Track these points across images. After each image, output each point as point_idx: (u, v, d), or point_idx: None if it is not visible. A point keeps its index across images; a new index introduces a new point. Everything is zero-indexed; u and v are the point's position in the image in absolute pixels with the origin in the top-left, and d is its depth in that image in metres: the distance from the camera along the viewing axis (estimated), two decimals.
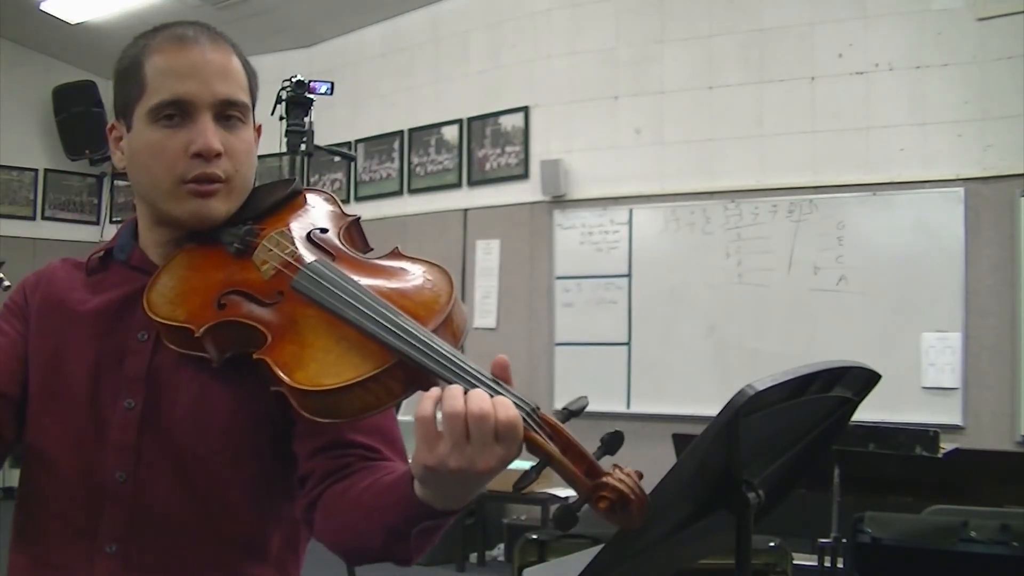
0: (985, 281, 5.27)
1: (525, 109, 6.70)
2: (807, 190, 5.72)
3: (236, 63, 1.20)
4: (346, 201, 7.56)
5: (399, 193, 7.37)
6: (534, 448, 0.92)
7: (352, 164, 7.49)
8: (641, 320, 6.16)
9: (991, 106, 5.29)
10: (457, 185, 7.05)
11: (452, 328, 1.03)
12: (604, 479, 0.89)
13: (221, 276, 1.13)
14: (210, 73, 1.16)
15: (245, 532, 1.17)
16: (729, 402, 1.09)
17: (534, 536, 3.34)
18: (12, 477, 7.83)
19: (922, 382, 5.31)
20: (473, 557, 6.05)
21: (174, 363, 1.16)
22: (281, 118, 3.70)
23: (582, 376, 6.27)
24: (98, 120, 8.49)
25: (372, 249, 1.20)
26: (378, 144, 7.50)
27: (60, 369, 1.20)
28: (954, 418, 5.21)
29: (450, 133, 7.10)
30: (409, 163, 7.32)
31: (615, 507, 0.89)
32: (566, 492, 5.90)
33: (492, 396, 0.92)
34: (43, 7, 7.55)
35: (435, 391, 0.93)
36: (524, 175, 6.69)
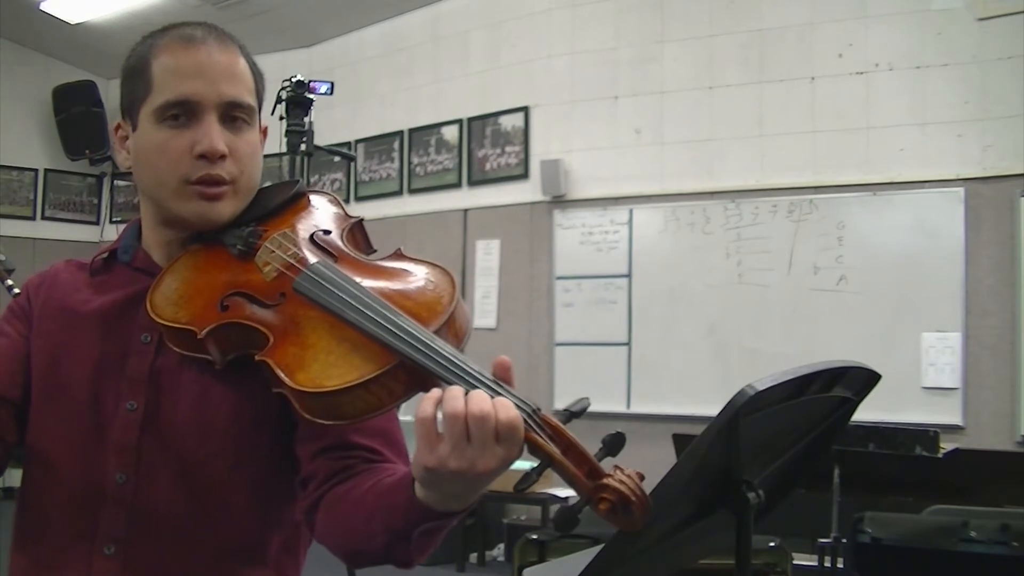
0: (985, 281, 5.27)
1: (525, 109, 6.70)
2: (807, 190, 5.72)
3: (243, 64, 1.20)
4: (346, 201, 7.56)
5: (399, 193, 7.37)
6: (535, 449, 0.92)
7: (352, 164, 7.49)
8: (641, 320, 6.16)
9: (991, 106, 5.29)
10: (457, 185, 7.06)
11: (454, 329, 1.03)
12: (605, 480, 0.89)
13: (224, 278, 1.13)
14: (216, 74, 1.16)
15: (244, 535, 1.16)
16: (729, 402, 1.09)
17: (534, 536, 3.34)
18: (12, 477, 7.83)
19: (922, 382, 5.31)
20: (473, 557, 6.05)
21: (176, 365, 1.16)
22: (281, 118, 3.70)
23: (582, 376, 6.27)
24: (98, 120, 8.50)
25: (376, 250, 1.20)
26: (378, 144, 7.50)
27: (61, 371, 1.20)
28: (954, 418, 5.21)
29: (450, 133, 7.10)
30: (409, 163, 7.32)
31: (616, 509, 0.88)
32: (566, 492, 5.91)
33: (493, 397, 0.92)
34: (43, 7, 7.55)
35: (436, 392, 0.93)
36: (524, 175, 6.69)
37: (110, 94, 8.63)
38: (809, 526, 3.62)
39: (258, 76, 1.24)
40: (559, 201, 6.50)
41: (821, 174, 5.73)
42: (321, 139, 4.03)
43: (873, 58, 5.62)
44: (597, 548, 1.18)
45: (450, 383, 0.94)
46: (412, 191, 7.31)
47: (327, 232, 1.18)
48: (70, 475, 1.17)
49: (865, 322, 5.46)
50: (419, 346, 0.96)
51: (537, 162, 6.56)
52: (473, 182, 6.99)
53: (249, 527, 1.16)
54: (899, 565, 3.05)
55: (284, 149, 3.73)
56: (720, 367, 5.82)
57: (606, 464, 0.93)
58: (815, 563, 3.73)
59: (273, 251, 1.13)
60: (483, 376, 0.95)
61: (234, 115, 1.18)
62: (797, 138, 5.82)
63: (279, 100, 3.68)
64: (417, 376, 0.97)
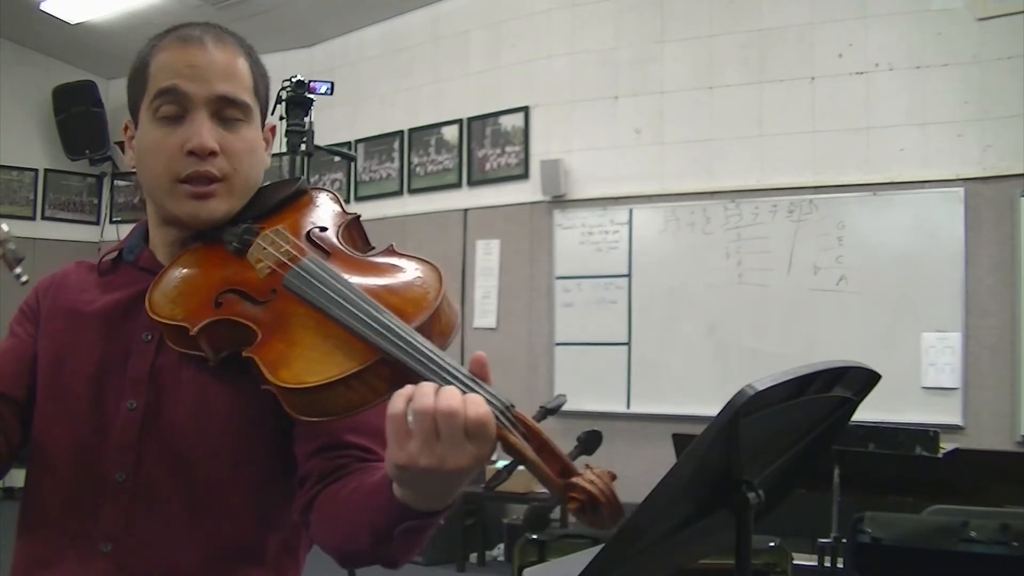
0: (985, 281, 5.28)
1: (525, 109, 6.71)
2: (807, 190, 5.72)
3: (241, 63, 1.21)
4: (347, 201, 7.52)
5: (399, 193, 7.37)
6: (507, 447, 0.91)
7: (352, 164, 7.49)
8: (641, 320, 6.16)
9: (991, 106, 5.29)
10: (457, 185, 7.06)
11: (440, 325, 1.04)
12: (575, 479, 0.88)
13: (220, 275, 1.14)
14: (209, 71, 1.17)
15: (243, 535, 1.16)
16: (729, 402, 1.09)
17: (534, 536, 3.34)
18: (12, 477, 7.83)
19: (922, 382, 5.31)
20: (473, 557, 6.05)
21: (176, 364, 1.17)
22: (281, 118, 3.71)
23: (582, 376, 6.27)
24: (98, 120, 8.50)
25: (373, 248, 1.20)
26: (378, 144, 7.50)
27: (65, 370, 1.21)
28: (954, 418, 5.21)
29: (450, 133, 7.10)
30: (409, 163, 7.32)
31: (585, 508, 0.88)
32: None
33: (465, 393, 0.91)
34: (43, 7, 7.55)
35: (408, 388, 0.92)
36: (524, 175, 6.69)
37: (110, 94, 8.63)
38: (809, 526, 3.62)
39: (260, 75, 1.24)
40: (559, 201, 6.50)
41: (821, 174, 5.73)
42: (321, 139, 4.03)
43: (873, 58, 5.62)
44: (597, 548, 1.18)
45: (426, 379, 0.93)
46: (412, 191, 7.31)
47: (324, 229, 1.18)
48: (70, 473, 1.18)
49: (865, 322, 5.46)
50: (398, 342, 0.96)
51: (537, 162, 6.56)
52: (473, 182, 6.99)
53: (248, 527, 1.16)
54: (899, 565, 3.05)
55: (284, 149, 3.74)
56: (720, 367, 5.82)
57: (589, 462, 0.93)
58: (815, 563, 3.73)
59: (266, 248, 1.13)
60: (459, 372, 0.95)
61: (227, 112, 1.18)
62: (797, 138, 5.82)
63: (279, 100, 3.68)
64: (399, 372, 0.97)
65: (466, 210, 6.98)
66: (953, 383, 5.28)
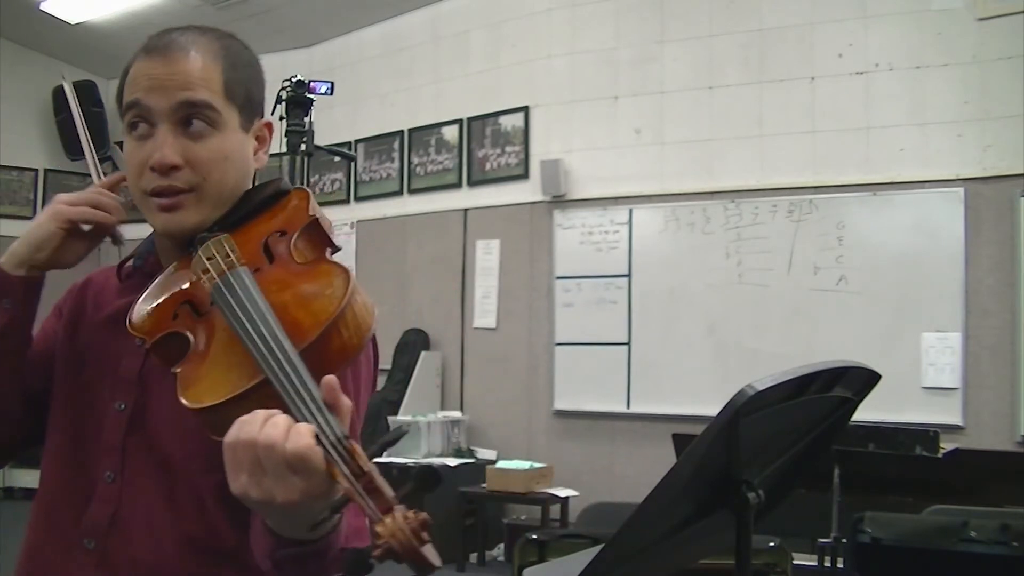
0: (985, 281, 5.28)
1: (525, 109, 6.71)
2: (807, 190, 5.73)
3: (209, 67, 1.18)
4: (346, 201, 7.57)
5: (399, 193, 7.37)
6: (334, 482, 0.86)
7: (352, 164, 7.49)
8: (641, 320, 6.16)
9: (991, 106, 5.30)
10: (457, 185, 7.06)
11: (346, 333, 0.99)
12: (377, 527, 0.82)
13: (182, 287, 1.13)
14: (169, 82, 1.15)
15: (221, 539, 1.16)
16: (729, 402, 1.09)
17: (534, 536, 3.33)
18: (12, 477, 7.83)
19: (922, 382, 5.32)
20: (473, 557, 6.05)
21: (163, 367, 1.17)
22: (281, 118, 3.71)
23: (582, 376, 6.27)
24: (98, 120, 8.50)
25: (339, 248, 1.18)
26: (378, 144, 7.50)
27: (73, 372, 1.24)
28: (954, 418, 5.22)
29: (450, 133, 7.10)
30: (409, 163, 7.33)
31: (385, 556, 0.82)
32: (566, 492, 5.91)
33: (298, 422, 0.88)
34: (43, 7, 7.55)
35: (245, 417, 0.89)
36: (524, 175, 6.69)
37: (110, 94, 8.62)
38: (809, 526, 3.61)
39: (238, 78, 1.21)
40: (559, 201, 6.50)
41: (821, 174, 5.73)
42: (321, 139, 4.03)
43: (873, 58, 5.62)
44: (597, 548, 1.18)
45: (285, 401, 0.90)
46: (412, 191, 7.31)
47: (283, 234, 1.15)
48: (68, 471, 1.21)
49: (865, 322, 5.46)
50: (271, 361, 0.93)
51: (537, 162, 6.56)
52: (473, 182, 6.99)
53: (225, 532, 1.15)
54: (899, 565, 3.05)
55: (284, 149, 3.74)
56: (720, 367, 5.82)
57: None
58: (815, 563, 3.72)
59: (209, 259, 1.11)
60: (309, 398, 0.90)
61: (191, 117, 1.16)
62: (797, 138, 5.82)
63: (279, 100, 3.68)
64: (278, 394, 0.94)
65: (466, 210, 6.98)
66: (953, 383, 5.28)
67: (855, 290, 5.55)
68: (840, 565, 3.46)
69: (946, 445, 3.66)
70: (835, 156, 5.71)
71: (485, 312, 6.82)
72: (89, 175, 1.45)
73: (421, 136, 7.27)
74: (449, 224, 7.04)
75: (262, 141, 1.27)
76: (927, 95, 5.48)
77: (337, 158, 7.11)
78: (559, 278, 6.45)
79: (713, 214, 5.96)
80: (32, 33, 8.17)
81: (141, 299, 1.15)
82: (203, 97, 1.16)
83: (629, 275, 6.22)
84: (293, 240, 1.13)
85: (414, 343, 6.99)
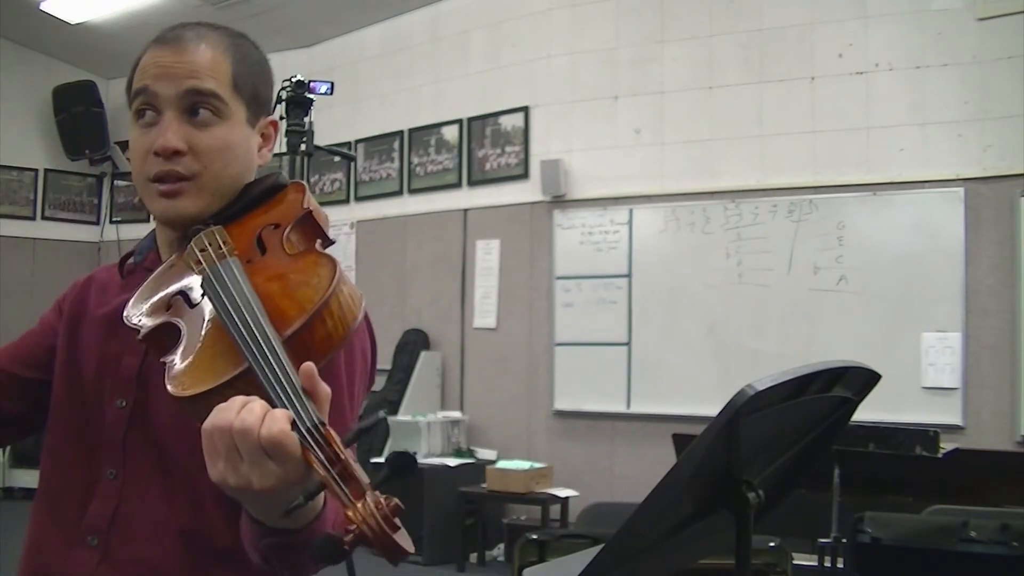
0: (985, 281, 5.28)
1: (525, 109, 6.71)
2: (807, 190, 5.73)
3: (218, 59, 1.19)
4: (346, 201, 7.57)
5: (399, 193, 7.37)
6: (310, 468, 0.87)
7: (352, 164, 7.49)
8: (641, 320, 6.16)
9: (991, 106, 5.30)
10: (457, 185, 7.06)
11: (326, 328, 0.99)
12: (348, 511, 0.83)
13: (176, 278, 1.14)
14: (178, 69, 1.17)
15: (220, 537, 1.16)
16: (729, 402, 1.09)
17: (534, 536, 3.33)
18: (12, 477, 7.83)
19: (922, 382, 5.32)
20: (473, 557, 6.05)
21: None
22: (281, 118, 3.70)
23: (582, 376, 6.27)
24: (98, 120, 8.50)
25: (333, 242, 1.18)
26: (378, 144, 7.50)
27: (74, 369, 1.25)
28: (954, 418, 5.22)
29: (450, 133, 7.10)
30: (409, 163, 7.33)
31: (357, 542, 0.82)
32: (566, 492, 5.91)
33: (274, 408, 0.88)
34: (43, 7, 7.55)
35: (223, 403, 0.90)
36: (524, 175, 6.69)
37: (110, 94, 8.63)
38: (809, 526, 3.61)
39: (246, 72, 1.22)
40: (559, 201, 6.50)
41: (821, 174, 5.73)
42: (321, 139, 4.03)
43: (873, 58, 5.62)
44: (597, 548, 1.18)
45: (265, 389, 0.90)
46: (412, 191, 7.31)
47: (276, 226, 1.16)
48: (69, 468, 1.22)
49: (865, 322, 5.46)
50: (254, 348, 0.94)
51: (537, 162, 6.56)
52: (473, 182, 6.99)
53: (223, 530, 1.15)
54: (899, 565, 3.05)
55: (284, 149, 3.74)
56: (720, 367, 5.82)
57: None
58: (815, 563, 3.72)
59: (202, 250, 1.13)
60: (287, 384, 0.91)
61: (196, 106, 1.17)
62: (797, 138, 5.82)
63: (279, 100, 3.68)
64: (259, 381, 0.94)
65: (466, 210, 6.98)
66: (953, 383, 5.28)
67: (855, 290, 5.55)
68: (840, 565, 3.46)
69: (946, 445, 3.65)
70: (835, 156, 5.70)
71: (485, 312, 6.82)
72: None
73: (421, 136, 7.27)
74: (449, 224, 7.04)
75: (267, 139, 1.28)
76: (927, 95, 5.48)
77: (337, 158, 7.11)
78: (559, 278, 6.45)
79: (713, 214, 5.96)
80: (32, 33, 8.17)
81: (139, 291, 1.16)
82: (210, 86, 1.17)
83: (629, 275, 6.22)
84: (286, 232, 1.13)
85: (414, 343, 6.99)
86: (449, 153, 7.10)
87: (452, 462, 6.18)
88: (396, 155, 7.40)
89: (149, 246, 1.30)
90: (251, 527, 0.99)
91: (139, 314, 1.11)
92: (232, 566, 1.15)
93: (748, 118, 5.96)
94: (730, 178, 5.97)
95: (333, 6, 7.38)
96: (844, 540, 3.26)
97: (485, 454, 6.50)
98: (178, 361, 1.01)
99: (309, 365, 0.92)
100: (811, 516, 3.42)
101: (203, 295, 1.07)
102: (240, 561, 1.13)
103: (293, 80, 3.72)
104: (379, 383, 6.84)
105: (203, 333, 1.03)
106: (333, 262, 1.05)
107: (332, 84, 3.96)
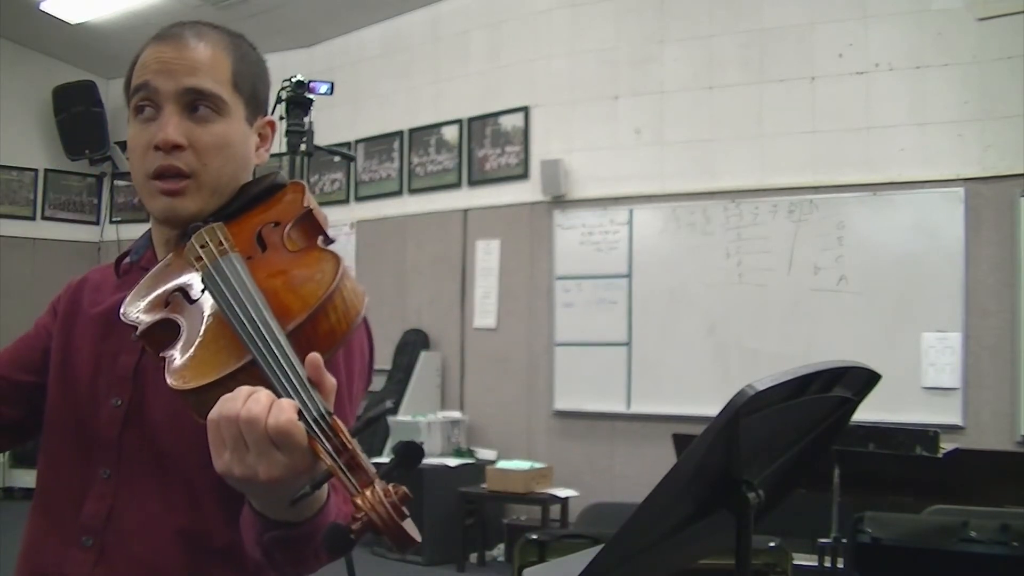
0: (985, 281, 5.28)
1: (525, 109, 6.71)
2: (807, 190, 5.73)
3: (218, 56, 1.20)
4: (346, 201, 7.57)
5: (399, 193, 7.37)
6: (316, 458, 0.87)
7: (352, 164, 7.49)
8: (641, 320, 6.16)
9: (991, 106, 5.29)
10: (457, 185, 7.06)
11: (330, 321, 0.99)
12: (356, 499, 0.83)
13: (175, 274, 1.14)
14: (178, 66, 1.17)
15: (217, 536, 1.15)
16: (729, 402, 1.09)
17: (534, 536, 3.33)
18: (12, 477, 7.83)
19: (922, 382, 5.31)
20: (473, 557, 6.05)
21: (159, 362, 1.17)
22: (281, 118, 3.70)
23: (582, 376, 6.27)
24: (98, 120, 8.50)
25: (333, 240, 1.18)
26: (378, 144, 7.50)
27: (69, 369, 1.24)
28: (954, 418, 5.22)
29: (450, 133, 7.10)
30: (409, 163, 7.33)
31: (365, 530, 0.82)
32: (566, 492, 5.91)
33: (280, 398, 0.88)
34: (43, 7, 7.55)
35: (227, 394, 0.90)
36: (524, 175, 6.69)
37: (110, 94, 8.63)
38: (809, 526, 3.61)
39: (245, 71, 1.23)
40: (559, 201, 6.50)
41: (821, 174, 5.73)
42: (321, 139, 4.03)
43: (873, 58, 5.62)
44: (597, 548, 1.18)
45: (270, 380, 0.91)
46: (412, 191, 7.31)
47: (277, 224, 1.16)
48: (65, 467, 1.21)
49: (865, 322, 5.46)
50: (258, 341, 0.94)
51: (537, 162, 6.56)
52: (473, 182, 6.99)
53: (221, 529, 1.15)
54: (899, 565, 3.05)
55: (284, 149, 3.74)
56: (720, 367, 5.82)
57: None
58: (815, 563, 3.72)
59: (202, 246, 1.13)
60: (293, 375, 0.91)
61: (197, 105, 1.17)
62: (797, 138, 5.82)
63: (279, 100, 3.68)
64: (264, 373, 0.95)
65: (466, 210, 6.98)
66: (953, 383, 5.28)
67: (855, 290, 5.55)
68: (840, 565, 3.47)
69: (946, 445, 3.65)
70: (835, 156, 5.70)
71: (485, 312, 6.82)
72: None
73: (421, 136, 7.27)
74: (449, 224, 7.04)
75: (264, 138, 1.28)
76: (927, 95, 5.48)
77: (337, 158, 7.11)
78: (559, 278, 6.45)
79: (713, 214, 5.96)
80: (32, 33, 8.17)
81: (135, 289, 1.15)
82: (209, 86, 1.18)
83: (629, 275, 6.22)
84: (287, 230, 1.14)
85: (414, 343, 6.99)
86: (449, 153, 7.10)
87: (452, 462, 6.18)
88: (396, 155, 7.40)
89: (145, 245, 1.30)
90: (254, 520, 0.99)
91: (136, 311, 1.11)
92: (231, 565, 1.15)
93: (748, 118, 5.96)
94: (730, 178, 5.97)
95: (333, 6, 7.38)
96: (844, 540, 3.27)
97: (485, 454, 6.50)
98: (178, 355, 1.01)
99: (315, 355, 0.92)
100: (811, 516, 3.42)
101: (203, 290, 1.07)
102: (237, 560, 1.12)
103: (293, 80, 3.72)
104: (379, 383, 6.84)
105: (203, 328, 1.03)
106: (336, 257, 1.05)
107: (332, 84, 3.96)
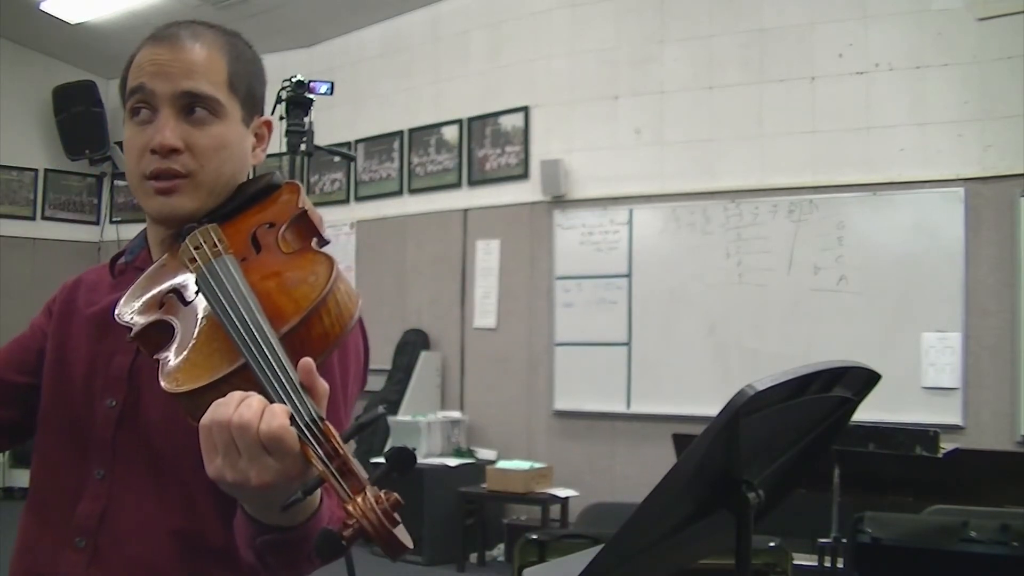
0: (985, 281, 5.27)
1: (525, 109, 6.71)
2: (807, 190, 5.73)
3: (214, 58, 1.19)
4: (346, 201, 7.57)
5: (399, 193, 7.37)
6: (308, 463, 0.87)
7: (352, 164, 7.49)
8: (641, 320, 6.16)
9: (991, 106, 5.29)
10: (457, 185, 7.06)
11: (323, 324, 0.99)
12: (348, 506, 0.82)
13: (170, 275, 1.14)
14: (174, 68, 1.16)
15: (212, 537, 1.15)
16: (729, 402, 1.09)
17: (534, 536, 3.33)
18: (12, 477, 7.83)
19: (922, 382, 5.31)
20: (473, 557, 6.05)
21: (154, 363, 1.17)
22: (281, 118, 3.70)
23: (582, 376, 6.27)
24: (98, 120, 8.50)
25: (327, 241, 1.18)
26: (378, 144, 7.50)
27: (64, 369, 1.24)
28: (954, 418, 5.22)
29: (450, 133, 7.10)
30: (409, 163, 7.32)
31: (356, 536, 0.82)
32: (566, 492, 5.91)
33: (272, 403, 0.88)
34: (43, 7, 7.55)
35: (220, 399, 0.90)
36: (524, 175, 6.69)
37: (110, 94, 8.63)
38: (809, 526, 3.61)
39: (241, 71, 1.22)
40: (559, 201, 6.50)
41: (821, 174, 5.73)
42: (321, 139, 4.03)
43: (873, 58, 5.62)
44: (597, 548, 1.18)
45: (263, 384, 0.90)
46: (412, 191, 7.31)
47: (271, 225, 1.16)
48: (59, 468, 1.21)
49: (865, 322, 5.46)
50: (251, 344, 0.93)
51: (537, 162, 6.56)
52: (473, 182, 6.99)
53: (215, 530, 1.15)
54: (899, 565, 3.05)
55: (284, 149, 3.73)
56: (720, 367, 5.82)
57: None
58: (815, 563, 3.72)
59: (196, 248, 1.12)
60: (285, 379, 0.91)
61: (193, 107, 1.17)
62: (797, 138, 5.82)
63: (279, 100, 3.68)
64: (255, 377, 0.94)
65: (466, 210, 6.98)
66: (953, 383, 5.28)
67: (855, 290, 5.55)
68: (840, 565, 3.47)
69: (946, 445, 3.66)
70: (835, 156, 5.70)
71: (485, 312, 6.82)
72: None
73: (421, 136, 7.27)
74: (449, 224, 7.04)
75: (260, 139, 1.28)
76: (927, 95, 5.48)
77: (337, 158, 7.11)
78: (559, 278, 6.45)
79: (713, 214, 5.96)
80: (32, 33, 8.17)
81: (130, 290, 1.15)
82: (206, 89, 1.17)
83: (629, 275, 6.22)
84: (281, 231, 1.13)
85: (414, 343, 6.99)
86: (449, 153, 7.10)
87: (452, 462, 6.18)
88: (396, 155, 7.40)
89: (140, 245, 1.29)
90: (246, 525, 0.99)
91: (131, 312, 1.11)
92: (225, 566, 1.15)
93: (748, 118, 5.96)
94: (730, 178, 5.97)
95: (333, 6, 7.38)
96: (844, 540, 3.27)
97: (485, 454, 6.50)
98: (172, 358, 1.01)
99: (307, 360, 0.92)
100: (811, 516, 3.42)
101: (197, 292, 1.07)
102: (232, 561, 1.12)
103: (293, 80, 3.71)
104: (379, 383, 6.84)
105: (197, 330, 1.02)
106: (330, 260, 1.05)
107: (332, 84, 3.95)
